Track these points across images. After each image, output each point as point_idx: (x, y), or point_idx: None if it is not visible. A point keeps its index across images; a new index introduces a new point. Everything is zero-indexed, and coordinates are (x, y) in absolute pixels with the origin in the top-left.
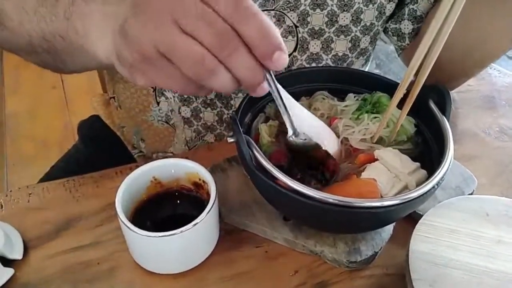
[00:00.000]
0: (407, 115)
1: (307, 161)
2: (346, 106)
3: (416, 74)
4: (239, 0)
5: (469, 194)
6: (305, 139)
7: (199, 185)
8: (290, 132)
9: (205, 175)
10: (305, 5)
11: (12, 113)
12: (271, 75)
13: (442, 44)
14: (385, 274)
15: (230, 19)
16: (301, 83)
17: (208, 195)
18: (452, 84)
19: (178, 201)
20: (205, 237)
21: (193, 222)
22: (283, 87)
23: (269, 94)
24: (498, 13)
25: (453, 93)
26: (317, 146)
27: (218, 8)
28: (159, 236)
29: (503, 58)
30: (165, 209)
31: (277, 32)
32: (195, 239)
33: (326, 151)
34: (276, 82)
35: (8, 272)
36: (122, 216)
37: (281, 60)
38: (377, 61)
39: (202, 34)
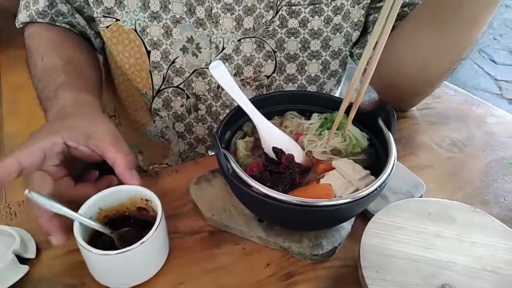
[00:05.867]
0: (362, 131)
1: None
2: (310, 124)
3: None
4: None
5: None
6: None
7: (142, 208)
8: None
9: (152, 197)
10: (281, 33)
11: (10, 134)
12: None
13: (378, 57)
14: (343, 266)
15: None
16: (275, 104)
17: (154, 212)
18: (410, 102)
19: (131, 222)
20: (154, 253)
21: (140, 241)
22: (259, 108)
23: (245, 114)
24: (437, 38)
25: (415, 110)
26: None
27: None
28: (113, 254)
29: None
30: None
31: None
32: (143, 256)
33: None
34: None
35: (24, 268)
36: (80, 240)
37: None
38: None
39: None
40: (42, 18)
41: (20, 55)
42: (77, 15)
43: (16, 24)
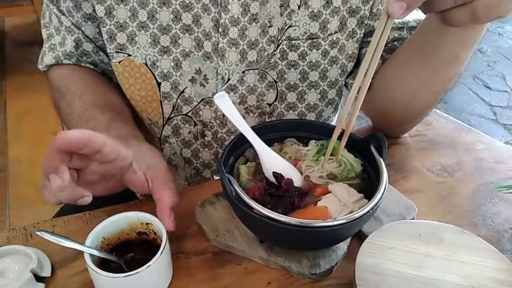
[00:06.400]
0: (356, 157)
1: None
2: (308, 150)
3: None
4: None
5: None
6: None
7: (142, 232)
8: None
9: (153, 220)
10: (282, 65)
11: (14, 159)
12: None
13: (367, 86)
14: (339, 284)
15: None
16: (275, 132)
17: (156, 234)
18: (401, 128)
19: (135, 246)
20: (160, 274)
21: (147, 265)
22: (260, 135)
23: (248, 141)
24: (422, 72)
25: (407, 137)
26: None
27: None
28: (121, 277)
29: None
30: (126, 253)
31: None
32: (150, 278)
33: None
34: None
35: (40, 286)
36: (90, 263)
37: None
38: None
39: None
40: (68, 59)
41: (25, 81)
42: (101, 53)
43: (40, 67)
